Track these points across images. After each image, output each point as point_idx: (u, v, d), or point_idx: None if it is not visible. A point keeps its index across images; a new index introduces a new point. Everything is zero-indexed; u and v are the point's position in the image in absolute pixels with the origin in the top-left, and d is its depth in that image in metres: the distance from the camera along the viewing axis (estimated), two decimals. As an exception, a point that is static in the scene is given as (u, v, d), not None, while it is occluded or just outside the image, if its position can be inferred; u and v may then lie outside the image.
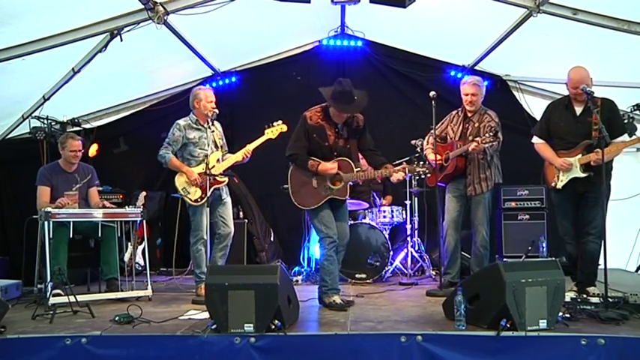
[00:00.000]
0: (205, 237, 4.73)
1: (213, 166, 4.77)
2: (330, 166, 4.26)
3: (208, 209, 4.68)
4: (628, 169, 6.38)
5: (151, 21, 4.78)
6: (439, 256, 5.19)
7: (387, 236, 5.81)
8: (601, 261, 4.24)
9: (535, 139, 4.62)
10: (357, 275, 5.67)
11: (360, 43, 6.96)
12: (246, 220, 6.39)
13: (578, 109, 4.39)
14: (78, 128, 6.59)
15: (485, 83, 6.74)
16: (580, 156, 4.32)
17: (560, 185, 4.44)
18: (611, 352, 3.17)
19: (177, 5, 4.82)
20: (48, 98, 5.79)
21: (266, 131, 4.91)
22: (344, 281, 5.47)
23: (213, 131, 4.85)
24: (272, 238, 6.77)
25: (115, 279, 4.88)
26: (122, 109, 6.99)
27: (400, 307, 4.33)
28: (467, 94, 4.98)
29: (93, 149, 6.74)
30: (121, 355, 3.34)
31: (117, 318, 3.72)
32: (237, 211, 6.27)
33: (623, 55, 5.26)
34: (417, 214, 6.27)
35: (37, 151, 6.11)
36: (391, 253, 5.77)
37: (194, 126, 4.91)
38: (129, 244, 5.79)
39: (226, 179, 4.93)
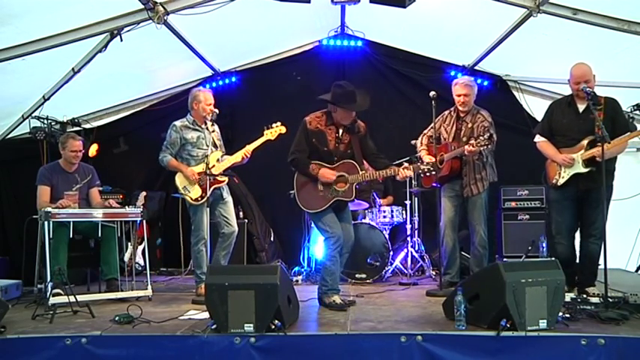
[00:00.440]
0: (206, 237, 4.74)
1: (213, 166, 4.77)
2: (330, 173, 4.27)
3: (208, 209, 4.69)
4: (628, 169, 6.36)
5: (150, 21, 4.78)
6: (439, 256, 5.19)
7: (387, 236, 5.81)
8: (601, 261, 4.23)
9: (537, 138, 4.60)
10: (357, 275, 5.68)
11: (360, 43, 6.96)
12: (246, 220, 6.39)
13: (581, 107, 4.38)
14: (78, 128, 6.59)
15: (486, 83, 6.82)
16: (583, 152, 4.30)
17: (561, 181, 4.39)
18: (611, 352, 3.17)
19: (177, 5, 4.82)
20: (48, 98, 5.79)
21: (265, 132, 4.91)
22: (344, 281, 5.47)
23: (213, 131, 4.86)
24: (272, 238, 6.77)
25: (115, 279, 4.88)
26: (122, 109, 6.99)
27: (400, 307, 4.33)
28: (459, 95, 4.98)
29: (93, 149, 6.74)
30: (121, 355, 3.34)
31: (117, 318, 3.72)
32: (237, 211, 6.25)
33: (623, 55, 5.25)
34: (417, 214, 6.27)
35: (37, 151, 6.11)
36: (391, 253, 5.77)
37: (191, 126, 4.91)
38: (129, 244, 5.80)
39: (226, 179, 4.93)
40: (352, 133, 4.38)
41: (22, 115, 6.08)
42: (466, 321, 3.42)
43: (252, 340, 3.31)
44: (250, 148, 4.87)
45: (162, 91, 6.93)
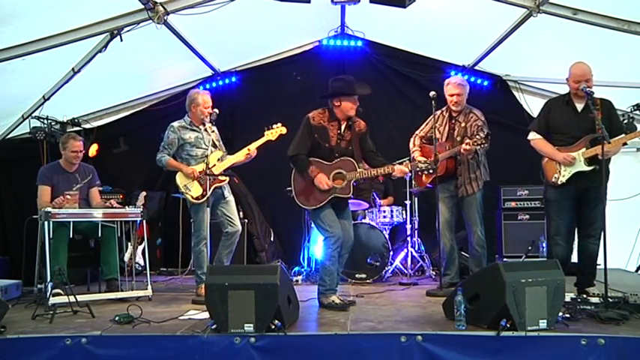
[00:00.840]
0: (207, 237, 4.74)
1: (214, 165, 4.77)
2: (326, 182, 4.24)
3: (209, 209, 4.69)
4: (628, 169, 6.38)
5: (150, 21, 4.78)
6: (439, 256, 5.19)
7: (387, 236, 5.81)
8: (601, 261, 4.22)
9: (533, 135, 4.53)
10: (357, 275, 5.68)
11: (360, 43, 6.97)
12: (246, 220, 6.39)
13: (579, 106, 4.36)
14: (78, 128, 6.60)
15: (486, 83, 6.83)
16: (584, 150, 4.27)
17: (562, 180, 4.32)
18: (611, 352, 3.17)
19: (177, 5, 4.82)
20: (48, 98, 5.79)
21: (265, 133, 4.91)
22: (344, 281, 5.47)
23: (213, 131, 4.86)
24: (272, 238, 6.77)
25: (115, 279, 4.88)
26: (122, 109, 7.00)
27: (400, 307, 4.33)
28: (452, 95, 4.98)
29: (93, 149, 6.75)
30: (121, 355, 3.34)
31: (117, 318, 3.71)
32: (237, 210, 6.26)
33: (623, 55, 5.25)
34: (417, 214, 6.27)
35: (37, 151, 6.11)
36: (391, 253, 5.77)
37: (188, 127, 4.90)
38: (129, 244, 5.80)
39: (227, 179, 4.92)
40: (353, 131, 4.39)
41: (22, 115, 6.08)
42: (466, 321, 3.42)
43: (252, 340, 3.31)
44: (254, 146, 4.87)
45: (162, 91, 6.94)
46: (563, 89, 4.65)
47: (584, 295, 4.13)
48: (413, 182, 6.08)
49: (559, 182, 4.35)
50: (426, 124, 5.20)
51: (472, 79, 6.79)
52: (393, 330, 3.48)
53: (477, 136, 4.73)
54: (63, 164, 5.08)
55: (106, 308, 4.24)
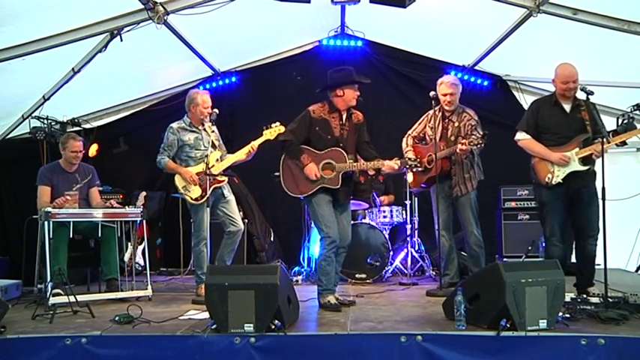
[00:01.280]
0: (207, 237, 4.74)
1: (213, 166, 4.76)
2: (315, 173, 4.25)
3: (209, 209, 4.68)
4: (628, 169, 6.39)
5: (150, 21, 4.78)
6: (439, 256, 5.19)
7: (387, 236, 5.81)
8: (601, 261, 4.22)
9: (521, 135, 4.49)
10: (357, 275, 5.68)
11: (360, 43, 6.96)
12: (246, 220, 6.37)
13: (567, 106, 4.36)
14: (78, 128, 6.59)
15: (486, 83, 6.83)
16: (577, 149, 4.26)
17: (556, 181, 4.30)
18: (611, 352, 3.17)
19: (177, 5, 4.82)
20: (48, 98, 5.79)
21: (264, 132, 4.90)
22: (344, 281, 5.47)
23: (213, 131, 4.86)
24: (272, 238, 6.77)
25: (115, 279, 4.88)
26: (122, 109, 7.00)
27: (400, 307, 4.33)
28: (445, 94, 4.97)
29: (93, 149, 6.74)
30: (121, 355, 3.34)
31: (117, 318, 3.72)
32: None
33: (623, 55, 5.25)
34: (416, 214, 6.27)
35: (37, 151, 6.11)
36: (391, 253, 5.77)
37: (188, 128, 4.90)
38: (129, 244, 5.79)
39: (226, 179, 4.93)
40: (351, 122, 4.40)
41: (22, 115, 6.08)
42: (466, 321, 3.42)
43: (252, 340, 3.31)
44: (256, 143, 4.86)
45: (162, 91, 6.94)
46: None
47: (584, 295, 4.13)
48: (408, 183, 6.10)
49: (553, 182, 4.32)
50: (419, 124, 5.22)
51: (472, 79, 6.80)
52: (393, 330, 3.48)
53: (474, 136, 4.73)
54: (63, 164, 5.08)
55: (106, 308, 4.24)
